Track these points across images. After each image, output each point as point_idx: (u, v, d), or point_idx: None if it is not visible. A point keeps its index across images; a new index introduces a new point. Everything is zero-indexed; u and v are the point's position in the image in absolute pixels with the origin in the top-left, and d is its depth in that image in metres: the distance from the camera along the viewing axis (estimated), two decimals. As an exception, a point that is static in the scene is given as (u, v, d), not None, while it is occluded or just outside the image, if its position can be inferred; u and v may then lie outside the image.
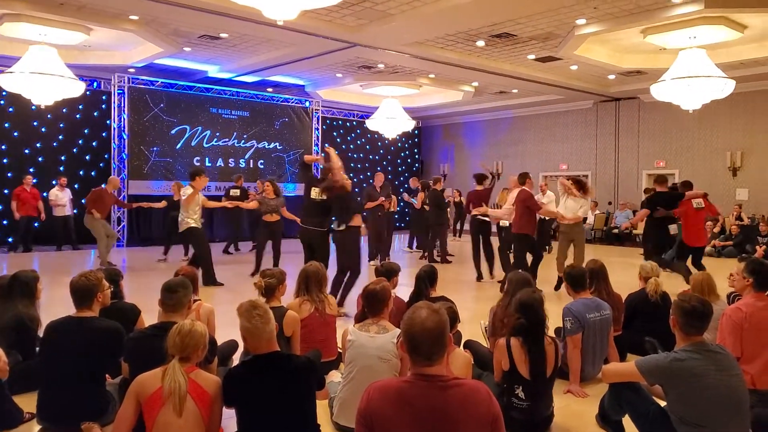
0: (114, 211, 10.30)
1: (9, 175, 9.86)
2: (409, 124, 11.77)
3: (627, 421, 2.49)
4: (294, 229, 12.17)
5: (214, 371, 2.47)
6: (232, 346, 3.34)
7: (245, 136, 12.03)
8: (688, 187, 6.58)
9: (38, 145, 10.29)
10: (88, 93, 9.85)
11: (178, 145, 11.17)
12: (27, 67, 7.43)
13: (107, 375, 2.75)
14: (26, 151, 10.18)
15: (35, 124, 10.20)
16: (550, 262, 6.72)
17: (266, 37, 8.49)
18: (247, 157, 12.06)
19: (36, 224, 9.62)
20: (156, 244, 9.73)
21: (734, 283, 3.30)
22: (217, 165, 11.66)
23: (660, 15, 7.11)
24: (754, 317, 2.73)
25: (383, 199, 8.49)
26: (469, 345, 3.37)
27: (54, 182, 9.99)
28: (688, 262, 6.31)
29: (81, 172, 10.70)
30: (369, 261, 8.60)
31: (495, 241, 7.17)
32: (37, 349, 2.94)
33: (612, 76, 10.86)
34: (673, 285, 6.00)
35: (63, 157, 10.56)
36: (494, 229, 7.30)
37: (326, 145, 11.24)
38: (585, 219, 11.05)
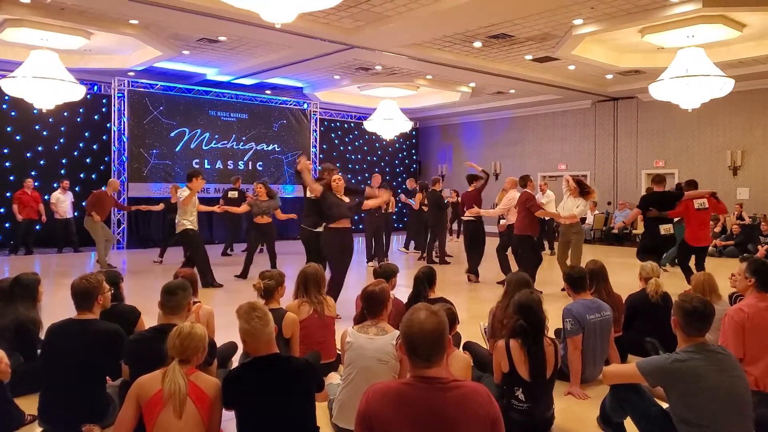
0: (114, 214, 10.33)
1: (11, 178, 9.89)
2: (406, 125, 11.78)
3: (629, 423, 2.49)
4: (291, 230, 12.31)
5: (213, 373, 2.47)
6: (231, 347, 3.34)
7: (244, 139, 12.04)
8: (693, 187, 6.44)
9: (40, 148, 10.33)
10: (88, 97, 9.90)
11: (178, 148, 11.18)
12: (29, 71, 7.48)
13: (107, 377, 2.75)
14: (28, 154, 10.21)
15: (37, 127, 10.24)
16: (552, 262, 6.73)
17: (264, 39, 8.50)
18: (245, 159, 12.08)
19: (38, 227, 9.64)
20: (156, 247, 9.75)
21: (736, 284, 3.27)
22: (216, 167, 11.68)
23: (658, 14, 7.12)
24: (756, 318, 2.71)
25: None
26: (469, 346, 3.37)
27: (55, 185, 10.03)
28: (691, 263, 6.27)
29: (82, 175, 10.72)
30: (367, 262, 8.61)
31: (493, 242, 7.17)
32: (39, 351, 2.95)
33: (610, 76, 10.87)
34: (673, 285, 6.01)
35: (64, 161, 10.60)
36: (490, 229, 7.30)
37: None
38: (584, 219, 11.06)
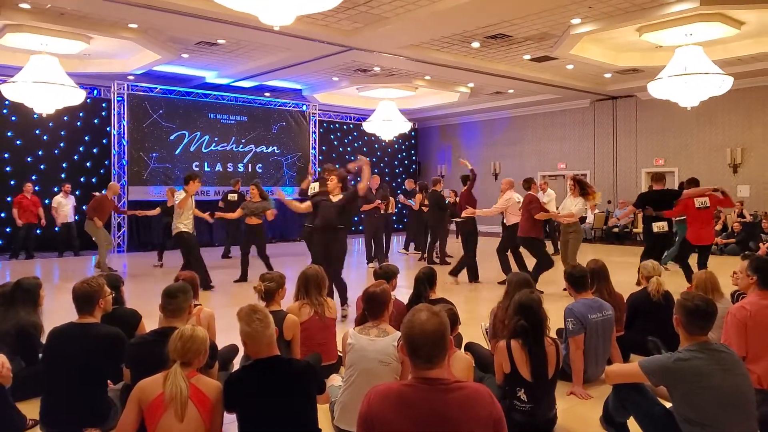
0: (114, 218, 10.34)
1: (12, 183, 9.91)
2: (405, 126, 11.79)
3: (632, 423, 2.48)
4: (292, 232, 12.30)
5: (215, 376, 2.47)
6: (232, 350, 3.33)
7: (243, 141, 12.05)
8: (694, 185, 6.37)
9: (40, 152, 10.36)
10: (88, 101, 9.93)
11: (177, 151, 11.19)
12: (29, 76, 7.51)
13: (109, 381, 2.75)
14: (28, 159, 10.23)
15: (37, 132, 10.27)
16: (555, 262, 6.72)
17: (263, 42, 8.51)
18: (245, 161, 12.09)
19: (38, 231, 9.65)
20: (156, 250, 9.74)
21: (738, 281, 3.27)
22: (216, 170, 11.69)
23: (655, 13, 7.12)
24: (758, 316, 2.70)
25: (379, 201, 8.51)
26: (470, 347, 3.36)
27: (56, 189, 10.05)
28: (693, 262, 6.24)
29: (82, 179, 10.74)
30: (367, 263, 8.61)
31: (493, 242, 7.17)
32: (40, 355, 2.95)
33: (608, 75, 10.87)
34: (675, 284, 5.99)
35: (64, 165, 10.62)
36: (491, 230, 7.31)
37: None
38: (584, 219, 11.04)
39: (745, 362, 2.41)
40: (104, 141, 10.93)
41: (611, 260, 7.31)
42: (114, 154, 10.63)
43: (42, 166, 10.36)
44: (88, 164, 10.91)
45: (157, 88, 10.96)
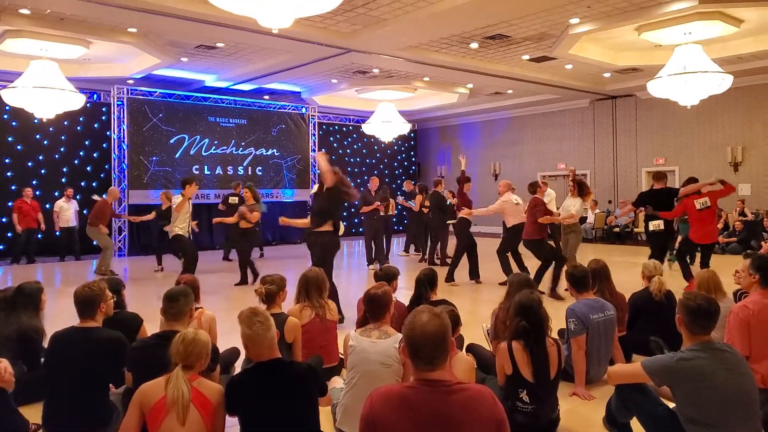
0: (114, 222, 10.35)
1: (13, 187, 9.93)
2: (405, 128, 11.79)
3: (635, 424, 2.47)
4: (292, 234, 12.29)
5: (216, 379, 2.46)
6: (234, 353, 3.33)
7: (243, 144, 12.06)
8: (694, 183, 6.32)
9: (40, 157, 10.38)
10: (88, 105, 9.94)
11: (177, 154, 11.20)
12: (29, 81, 7.54)
13: (111, 384, 2.75)
14: (29, 164, 10.26)
15: (37, 137, 10.29)
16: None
17: (262, 45, 8.53)
18: (245, 164, 12.09)
19: (39, 236, 9.66)
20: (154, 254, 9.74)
21: (740, 280, 3.26)
22: (216, 173, 11.69)
23: (654, 12, 7.12)
24: (761, 314, 2.69)
25: (378, 203, 8.50)
26: (472, 349, 3.36)
27: (56, 194, 10.06)
28: (696, 263, 6.21)
29: (83, 183, 10.75)
30: (368, 265, 8.60)
31: (493, 243, 7.17)
32: (42, 359, 2.95)
33: (607, 74, 10.87)
34: (677, 283, 5.97)
35: (65, 169, 10.64)
36: (491, 230, 7.31)
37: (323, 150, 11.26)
38: (585, 219, 11.02)
39: (749, 361, 2.39)
40: (104, 145, 10.95)
41: (612, 260, 7.29)
42: (114, 158, 10.65)
43: (43, 171, 10.38)
44: (88, 168, 10.93)
45: (156, 91, 10.98)
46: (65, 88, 7.74)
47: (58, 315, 4.33)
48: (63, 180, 10.46)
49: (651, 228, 6.05)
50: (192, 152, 11.38)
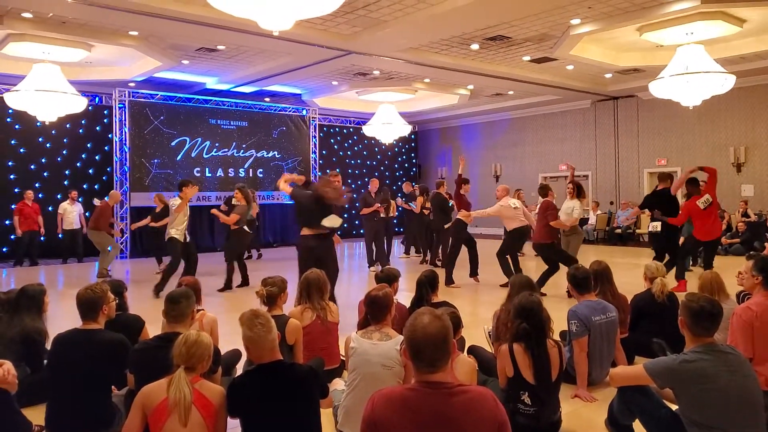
0: (116, 224, 10.38)
1: (15, 190, 9.97)
2: (405, 129, 11.80)
3: (637, 426, 2.46)
4: (291, 236, 12.28)
5: (218, 381, 2.46)
6: (235, 355, 3.33)
7: (244, 146, 12.09)
8: (693, 185, 6.31)
9: (43, 160, 10.42)
10: (90, 108, 10.00)
11: (179, 157, 11.23)
12: (31, 84, 7.58)
13: (113, 386, 2.76)
14: (32, 166, 10.30)
15: (40, 140, 10.33)
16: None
17: (262, 47, 8.55)
18: (246, 166, 12.11)
19: (42, 238, 9.69)
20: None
21: (743, 282, 3.25)
22: (217, 175, 11.72)
23: (656, 12, 7.11)
24: (765, 316, 2.68)
25: (378, 205, 8.50)
26: (474, 351, 3.35)
27: (59, 196, 10.09)
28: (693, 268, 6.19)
29: (85, 186, 10.79)
30: (369, 267, 8.60)
31: (491, 246, 7.16)
32: (45, 362, 2.96)
33: (609, 75, 10.86)
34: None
35: (67, 172, 10.68)
36: (492, 232, 7.32)
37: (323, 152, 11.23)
38: (586, 220, 10.98)
39: (752, 363, 2.38)
40: (106, 148, 10.99)
41: (614, 261, 7.29)
42: (116, 161, 10.68)
43: (45, 174, 10.43)
44: (90, 171, 10.98)
45: (158, 94, 11.01)
46: (67, 91, 7.78)
47: (61, 317, 4.34)
48: (65, 183, 10.51)
49: (650, 229, 6.06)
50: (193, 154, 11.40)
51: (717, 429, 2.02)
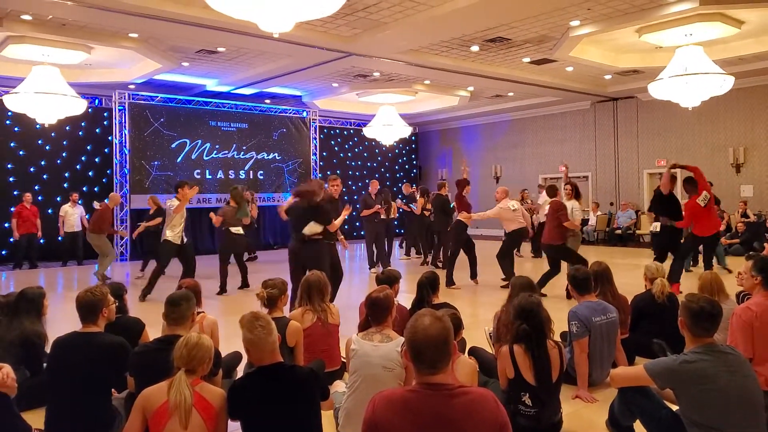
0: (117, 227, 10.38)
1: (15, 193, 9.96)
2: (405, 131, 11.81)
3: (638, 427, 2.46)
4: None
5: (218, 384, 2.47)
6: (236, 357, 3.32)
7: (244, 148, 12.09)
8: (691, 185, 6.26)
9: (42, 162, 10.42)
10: (90, 110, 9.99)
11: (179, 159, 11.23)
12: (31, 87, 7.58)
13: (113, 389, 2.75)
14: (31, 169, 10.30)
15: (40, 142, 10.33)
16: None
17: (262, 49, 8.56)
18: (246, 168, 12.12)
19: (41, 240, 9.68)
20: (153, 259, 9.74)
21: (743, 282, 3.26)
22: (218, 177, 11.72)
23: (655, 14, 7.13)
24: (764, 316, 2.69)
25: (379, 206, 8.51)
26: (474, 352, 3.34)
27: (58, 199, 10.09)
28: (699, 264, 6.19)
29: (85, 188, 10.78)
30: (369, 269, 8.60)
31: (491, 248, 7.16)
32: (45, 365, 2.95)
33: (608, 77, 10.88)
34: (682, 286, 5.94)
35: (67, 174, 10.67)
36: (492, 233, 7.32)
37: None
38: (586, 221, 11.00)
39: (752, 363, 2.38)
40: (106, 150, 10.99)
41: (614, 262, 7.29)
42: (116, 163, 10.68)
43: (45, 176, 10.42)
44: (90, 173, 10.98)
45: (158, 96, 11.02)
46: (67, 93, 7.77)
47: (61, 320, 4.33)
48: (65, 185, 10.50)
49: (651, 229, 6.08)
50: (193, 156, 11.41)
51: (717, 429, 2.02)
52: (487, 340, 3.76)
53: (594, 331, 3.17)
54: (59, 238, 9.78)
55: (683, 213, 6.18)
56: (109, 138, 10.85)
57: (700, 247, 6.82)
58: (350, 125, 14.63)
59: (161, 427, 1.97)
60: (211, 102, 11.70)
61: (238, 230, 6.89)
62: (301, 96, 12.33)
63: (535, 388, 2.54)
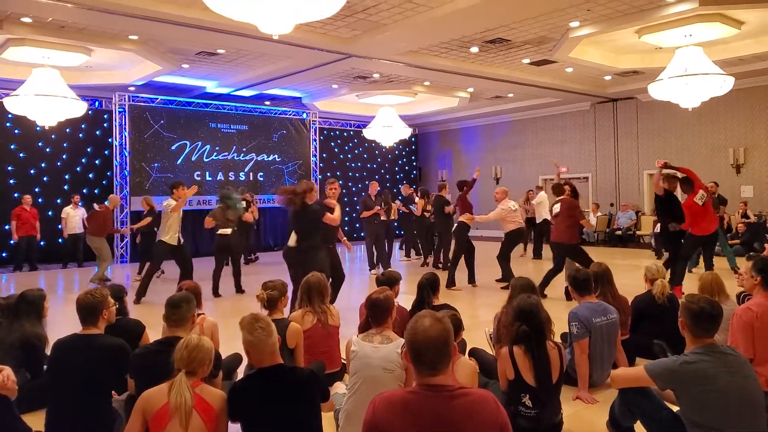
0: (118, 229, 10.39)
1: (15, 195, 9.96)
2: (405, 132, 11.81)
3: (639, 427, 2.45)
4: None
5: (218, 385, 2.46)
6: (236, 359, 3.32)
7: (244, 150, 12.10)
8: (687, 184, 6.28)
9: (43, 165, 10.43)
10: (90, 112, 9.98)
11: (179, 161, 11.24)
12: (31, 89, 7.59)
13: (113, 391, 2.75)
14: (31, 171, 10.30)
15: (40, 144, 10.34)
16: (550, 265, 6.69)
17: (262, 51, 8.57)
18: (246, 170, 12.13)
19: (42, 243, 9.68)
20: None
21: (743, 283, 3.25)
22: (218, 179, 11.72)
23: (654, 14, 7.13)
24: (765, 317, 2.69)
25: (379, 207, 8.51)
26: (475, 353, 3.34)
27: (59, 201, 10.09)
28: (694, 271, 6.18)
29: (85, 191, 10.79)
30: (370, 270, 8.59)
31: (491, 248, 7.16)
32: (45, 367, 2.95)
33: (608, 77, 10.88)
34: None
35: (67, 176, 10.68)
36: (492, 234, 7.33)
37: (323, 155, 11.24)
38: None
39: (753, 364, 2.38)
40: (106, 152, 11.00)
41: (614, 263, 7.28)
42: (116, 165, 10.69)
43: (45, 178, 10.43)
44: (90, 175, 10.98)
45: (158, 98, 11.03)
46: (67, 95, 7.78)
47: (61, 322, 4.33)
48: (65, 187, 10.51)
49: (655, 230, 6.09)
50: (193, 158, 11.42)
51: (718, 430, 2.02)
52: (487, 341, 3.76)
53: (594, 332, 3.17)
54: (60, 240, 9.78)
55: (686, 217, 6.17)
56: (109, 140, 10.86)
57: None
58: (350, 127, 14.64)
59: (161, 428, 1.97)
60: (211, 104, 11.71)
61: (225, 231, 6.75)
62: (300, 97, 12.34)
63: (536, 389, 2.54)
